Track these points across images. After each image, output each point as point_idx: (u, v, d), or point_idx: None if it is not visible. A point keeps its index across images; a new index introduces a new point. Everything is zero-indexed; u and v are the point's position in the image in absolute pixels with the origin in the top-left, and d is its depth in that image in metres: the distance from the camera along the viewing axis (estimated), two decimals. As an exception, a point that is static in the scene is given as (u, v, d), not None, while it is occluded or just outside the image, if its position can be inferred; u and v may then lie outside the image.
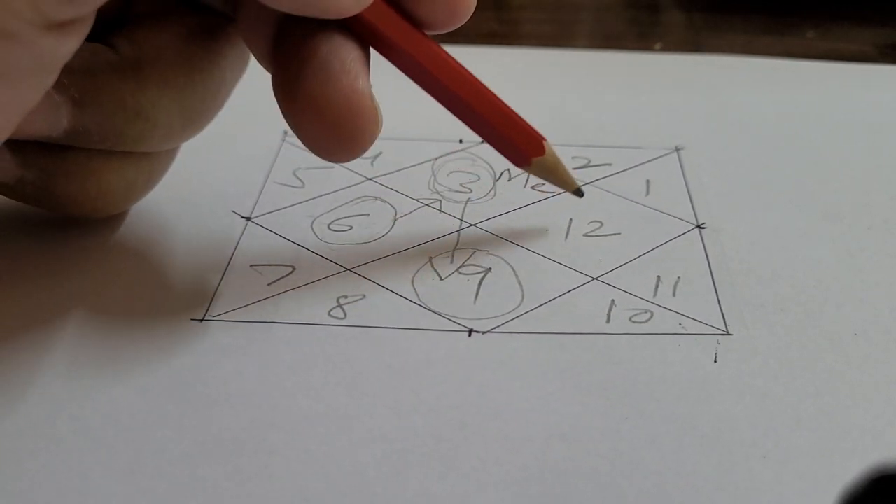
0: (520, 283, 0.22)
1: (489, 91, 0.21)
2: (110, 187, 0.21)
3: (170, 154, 0.23)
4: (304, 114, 0.19)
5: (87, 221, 0.24)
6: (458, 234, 0.24)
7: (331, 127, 0.18)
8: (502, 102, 0.22)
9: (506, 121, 0.22)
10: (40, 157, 0.20)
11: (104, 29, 0.20)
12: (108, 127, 0.20)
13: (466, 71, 0.21)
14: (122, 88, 0.19)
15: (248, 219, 0.25)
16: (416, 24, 0.20)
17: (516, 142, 0.22)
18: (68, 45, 0.16)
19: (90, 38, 0.19)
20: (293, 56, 0.19)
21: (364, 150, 0.19)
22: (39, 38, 0.15)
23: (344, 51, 0.19)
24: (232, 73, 0.22)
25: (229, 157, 0.27)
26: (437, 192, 0.26)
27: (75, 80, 0.19)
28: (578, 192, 0.23)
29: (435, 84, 0.21)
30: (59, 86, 0.18)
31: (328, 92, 0.18)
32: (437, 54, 0.20)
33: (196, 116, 0.21)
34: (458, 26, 0.20)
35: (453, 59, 0.21)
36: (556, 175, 0.23)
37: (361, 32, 0.19)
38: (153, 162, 0.22)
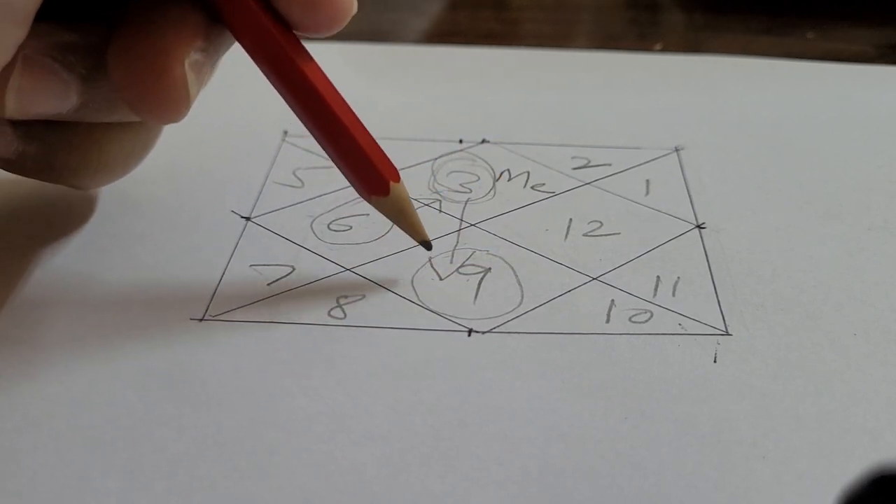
0: (520, 283, 0.22)
1: (344, 113, 0.20)
2: (111, 158, 0.22)
3: None
4: (121, 75, 0.19)
5: (87, 222, 0.24)
6: (458, 234, 0.24)
7: (140, 96, 0.19)
8: (356, 127, 0.20)
9: (351, 149, 0.20)
10: (42, 131, 0.20)
11: (99, 3, 0.20)
12: (116, 101, 0.20)
13: (325, 87, 0.20)
14: None
15: (247, 218, 0.25)
16: (290, 26, 0.20)
17: (360, 175, 0.21)
18: None
19: (89, 16, 0.19)
20: (134, 18, 0.19)
21: (173, 121, 0.19)
22: None
23: (176, 28, 0.19)
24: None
25: (229, 157, 0.27)
26: (437, 192, 0.26)
27: (81, 56, 0.19)
28: (426, 245, 0.22)
29: (285, 93, 0.20)
30: (66, 64, 0.19)
31: (146, 65, 0.19)
32: (289, 60, 0.20)
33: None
34: (333, 32, 0.20)
35: (313, 69, 0.20)
36: (402, 220, 0.22)
37: (220, 17, 0.19)
38: (150, 130, 0.22)
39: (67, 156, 0.21)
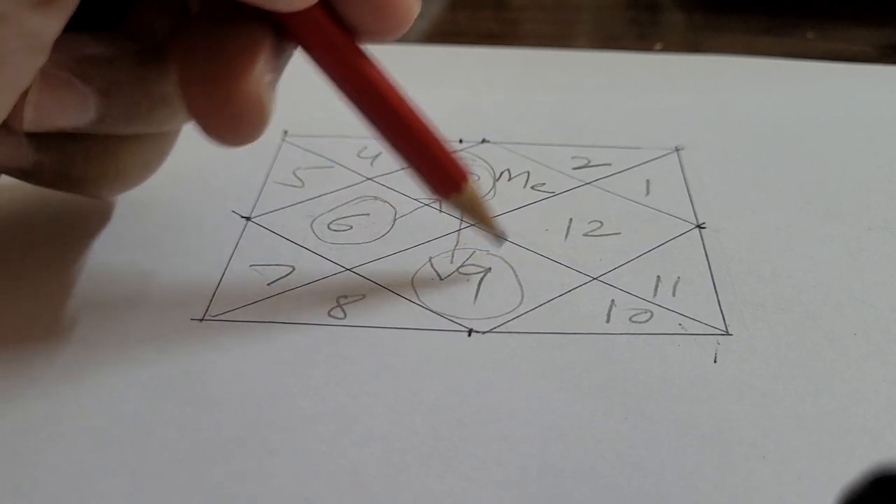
0: (520, 283, 0.22)
1: (414, 117, 0.20)
2: (128, 167, 0.21)
3: (178, 129, 0.23)
4: (198, 105, 0.18)
5: (87, 222, 0.24)
6: (458, 234, 0.24)
7: (221, 124, 0.18)
8: (427, 130, 0.20)
9: (424, 151, 0.20)
10: (58, 141, 0.20)
11: (114, 16, 0.20)
12: (135, 115, 0.20)
13: (394, 92, 0.20)
14: (147, 77, 0.20)
15: (247, 218, 0.25)
16: (352, 31, 0.19)
17: (434, 175, 0.21)
18: (55, 24, 0.16)
19: (104, 28, 0.19)
20: (201, 42, 0.18)
21: (251, 142, 0.19)
22: (27, 17, 0.16)
23: (251, 50, 0.18)
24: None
25: (229, 157, 0.27)
26: (437, 192, 0.26)
27: (100, 71, 0.19)
28: (502, 238, 0.22)
29: (356, 101, 0.20)
30: (85, 77, 0.19)
31: (224, 93, 0.18)
32: (360, 68, 0.19)
33: None
34: (398, 36, 0.19)
35: (381, 76, 0.20)
36: (475, 216, 0.22)
37: (288, 31, 0.19)
38: (166, 139, 0.22)
39: (84, 166, 0.21)
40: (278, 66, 0.19)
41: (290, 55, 0.20)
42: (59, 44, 0.17)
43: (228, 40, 0.18)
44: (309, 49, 0.19)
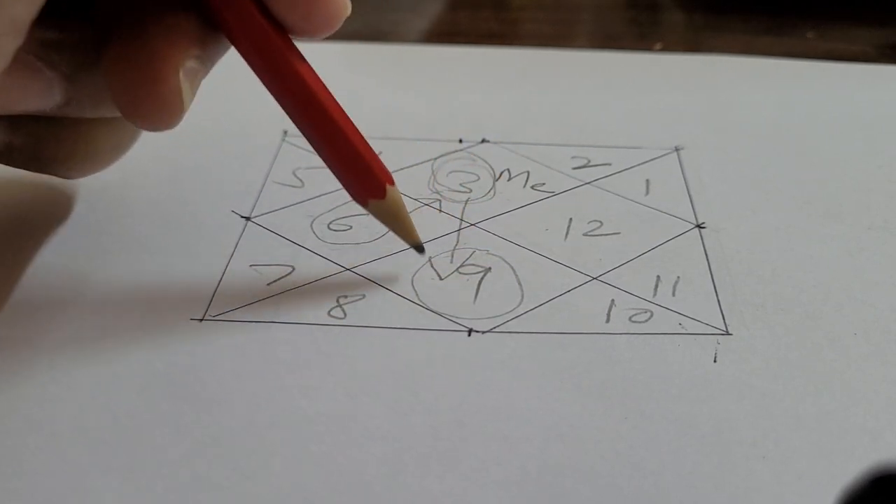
0: (519, 283, 0.22)
1: (339, 117, 0.20)
2: (98, 149, 0.22)
3: None
4: (114, 82, 0.19)
5: (87, 222, 0.24)
6: (458, 234, 0.24)
7: (134, 104, 0.19)
8: (351, 131, 0.20)
9: (345, 153, 0.20)
10: (30, 123, 0.20)
11: (80, 2, 0.20)
12: (101, 99, 0.20)
13: (321, 91, 0.20)
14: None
15: (247, 218, 0.25)
16: (284, 28, 0.19)
17: (356, 178, 0.21)
18: (33, 6, 0.17)
19: (70, 14, 0.19)
20: (127, 26, 0.19)
21: (166, 129, 0.19)
22: (10, 2, 0.16)
23: (172, 36, 0.19)
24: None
25: (229, 157, 0.27)
26: (437, 192, 0.26)
27: (65, 56, 0.19)
28: (419, 248, 0.22)
29: (281, 97, 0.20)
30: (49, 63, 0.19)
31: (140, 73, 0.18)
32: (286, 64, 0.19)
33: None
34: (327, 34, 0.20)
35: (308, 73, 0.20)
36: (396, 223, 0.21)
37: (217, 21, 0.19)
38: None
39: (55, 147, 0.21)
40: (205, 57, 0.20)
41: (223, 50, 0.20)
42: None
43: (152, 25, 0.19)
44: (234, 41, 0.20)
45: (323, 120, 0.20)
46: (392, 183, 0.21)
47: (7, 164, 0.22)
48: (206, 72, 0.20)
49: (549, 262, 0.23)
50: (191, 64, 0.19)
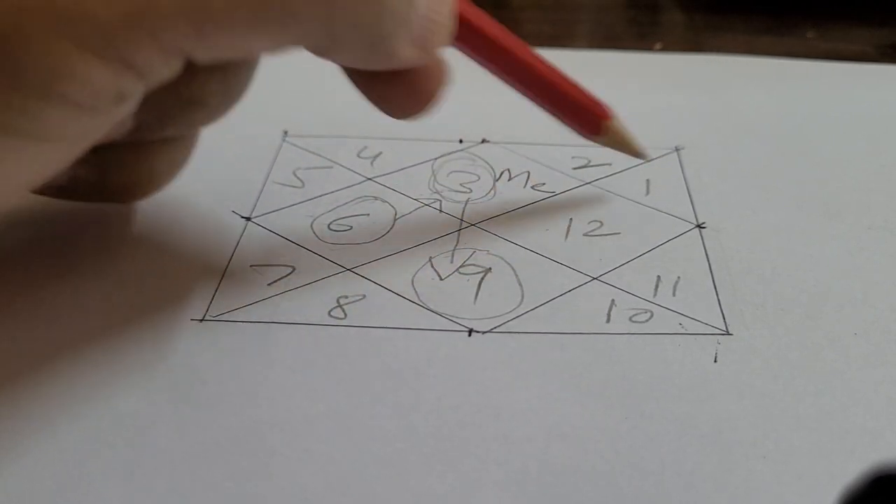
0: (520, 283, 0.22)
1: (555, 74, 0.23)
2: (159, 170, 0.22)
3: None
4: (395, 109, 0.21)
5: (88, 222, 0.24)
6: (458, 234, 0.24)
7: (416, 103, 0.21)
8: (567, 83, 0.23)
9: (577, 91, 0.24)
10: (93, 154, 0.20)
11: None
12: (167, 119, 0.20)
13: (534, 57, 0.23)
14: (176, 81, 0.20)
15: (248, 219, 0.25)
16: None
17: (588, 109, 0.24)
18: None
19: None
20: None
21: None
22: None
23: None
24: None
25: (229, 157, 0.27)
26: (437, 192, 0.26)
27: None
28: (643, 156, 0.25)
29: (508, 76, 0.22)
30: None
31: (422, 96, 0.20)
32: (507, 48, 0.22)
33: (237, 93, 0.21)
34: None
35: (521, 47, 0.22)
36: (624, 148, 0.25)
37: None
38: (192, 138, 0.22)
39: (119, 174, 0.21)
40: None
41: None
42: None
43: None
44: (464, 50, 0.22)
45: (542, 80, 0.23)
46: (608, 117, 0.24)
47: (69, 198, 0.22)
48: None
49: (549, 262, 0.23)
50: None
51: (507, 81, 0.23)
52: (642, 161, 0.26)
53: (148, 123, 0.20)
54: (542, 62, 0.23)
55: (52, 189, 0.21)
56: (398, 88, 0.20)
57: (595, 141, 0.24)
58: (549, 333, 0.21)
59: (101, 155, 0.21)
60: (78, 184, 0.21)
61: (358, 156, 0.27)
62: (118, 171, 0.21)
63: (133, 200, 0.23)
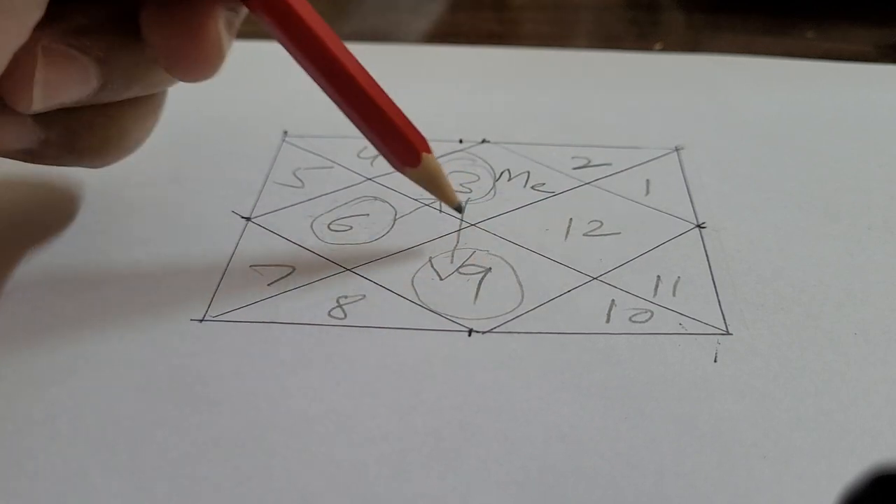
0: (520, 283, 0.22)
1: (374, 89, 0.21)
2: (129, 132, 0.22)
3: (167, 88, 0.23)
4: (157, 37, 0.19)
5: (88, 223, 0.24)
6: (458, 234, 0.24)
7: (178, 56, 0.20)
8: (386, 102, 0.21)
9: (383, 123, 0.21)
10: (62, 116, 0.21)
11: None
12: (133, 78, 0.20)
13: (354, 64, 0.21)
14: (138, 39, 0.20)
15: (247, 219, 0.25)
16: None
17: (395, 147, 0.22)
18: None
19: None
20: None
21: (207, 78, 0.20)
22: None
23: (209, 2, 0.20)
24: None
25: (229, 157, 0.27)
26: (437, 192, 0.26)
27: (95, 39, 0.19)
28: (459, 209, 0.23)
29: (317, 72, 0.20)
30: (83, 48, 0.19)
31: (182, 26, 0.19)
32: (320, 40, 0.20)
33: (203, 55, 0.21)
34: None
35: (341, 48, 0.20)
36: (434, 188, 0.22)
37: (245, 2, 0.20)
38: (158, 98, 0.23)
39: (89, 136, 0.21)
40: (237, 9, 0.20)
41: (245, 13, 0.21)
42: (52, 17, 0.17)
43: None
44: (265, 20, 0.20)
45: (359, 92, 0.21)
46: (428, 150, 0.22)
47: (41, 162, 0.22)
48: (240, 20, 0.21)
49: (549, 262, 0.23)
50: (228, 14, 0.20)
51: (320, 82, 0.21)
52: (640, 163, 0.26)
53: (114, 83, 0.20)
54: (365, 75, 0.21)
55: (22, 153, 0.21)
56: (188, 40, 0.19)
57: (407, 174, 0.22)
58: (549, 333, 0.21)
59: (70, 117, 0.21)
60: (48, 147, 0.21)
61: (358, 156, 0.27)
62: (88, 133, 0.21)
63: (105, 163, 0.23)
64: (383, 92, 0.21)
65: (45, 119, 0.20)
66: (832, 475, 0.18)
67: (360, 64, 0.21)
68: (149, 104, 0.22)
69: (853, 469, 0.18)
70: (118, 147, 0.22)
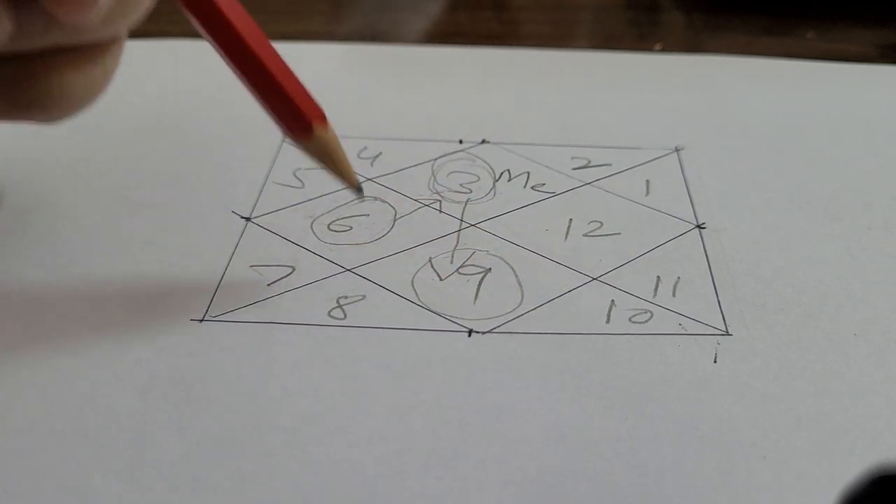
0: (520, 283, 0.22)
1: (268, 54, 0.20)
2: (73, 86, 0.21)
3: (119, 46, 0.23)
4: None
5: (88, 223, 0.24)
6: (458, 234, 0.24)
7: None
8: (281, 69, 0.20)
9: (275, 90, 0.20)
10: (1, 67, 0.20)
11: None
12: (48, 18, 0.20)
13: (249, 28, 0.20)
14: None
15: (247, 219, 0.25)
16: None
17: (285, 115, 0.20)
18: None
19: None
20: None
21: (81, 21, 0.19)
22: None
23: None
24: None
25: (229, 158, 0.27)
26: (437, 193, 0.26)
27: None
28: (357, 190, 0.22)
29: (210, 34, 0.20)
30: None
31: None
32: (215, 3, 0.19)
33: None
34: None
35: (237, 10, 0.20)
36: (329, 163, 0.21)
37: None
38: (106, 55, 0.22)
39: (29, 87, 0.21)
40: None
41: None
42: None
43: None
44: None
45: (252, 57, 0.20)
46: (323, 122, 0.21)
47: None
48: None
49: (549, 262, 0.23)
50: None
51: (213, 44, 0.20)
52: (640, 163, 0.26)
53: (31, 25, 0.19)
54: (260, 39, 0.20)
55: None
56: None
57: (301, 148, 0.21)
58: (549, 334, 0.21)
59: (9, 68, 0.20)
60: None
61: (358, 156, 0.27)
62: (28, 83, 0.21)
63: (51, 118, 0.22)
64: (279, 59, 0.20)
65: None
66: (832, 475, 0.18)
67: (257, 29, 0.20)
68: (90, 55, 0.21)
69: (853, 469, 0.18)
70: (62, 99, 0.21)
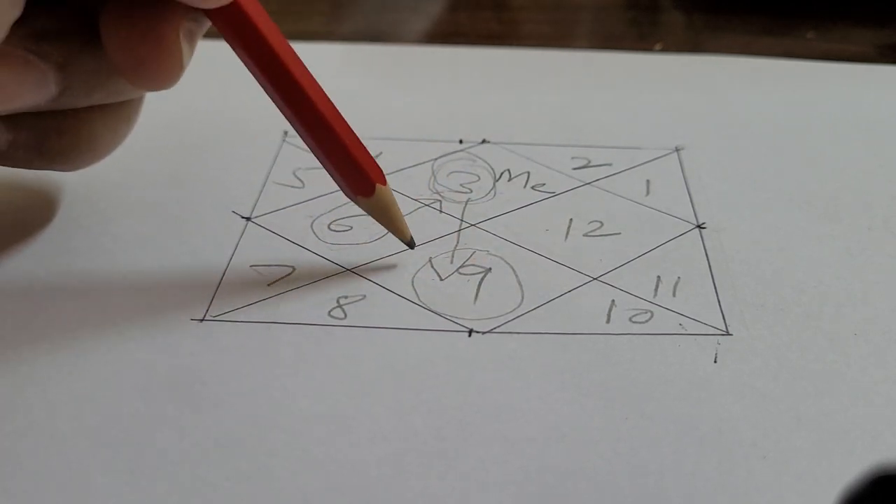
0: (520, 283, 0.22)
1: (332, 114, 0.21)
2: (99, 137, 0.22)
3: (142, 98, 0.23)
4: (116, 44, 0.19)
5: (88, 223, 0.24)
6: (458, 234, 0.24)
7: (136, 64, 0.19)
8: (344, 129, 0.21)
9: (339, 151, 0.21)
10: (30, 119, 0.21)
11: None
12: (94, 85, 0.20)
13: (314, 90, 0.21)
14: (100, 46, 0.20)
15: (248, 219, 0.25)
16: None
17: (348, 175, 0.21)
18: (15, 8, 0.17)
19: (55, 2, 0.19)
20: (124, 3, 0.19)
21: (165, 87, 0.20)
22: None
23: (169, 6, 0.19)
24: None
25: (229, 157, 0.27)
26: (437, 193, 0.26)
27: (55, 45, 0.19)
28: (410, 245, 0.23)
29: (275, 95, 0.20)
30: (41, 54, 0.19)
31: (141, 33, 0.19)
32: (275, 59, 0.20)
33: (165, 67, 0.21)
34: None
35: (301, 68, 0.20)
36: (386, 220, 0.22)
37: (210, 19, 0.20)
38: (131, 106, 0.22)
39: (58, 139, 0.21)
40: (199, 19, 0.20)
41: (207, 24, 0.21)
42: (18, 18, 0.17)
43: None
44: (230, 41, 0.20)
45: (313, 118, 0.21)
46: (383, 182, 0.22)
47: (11, 164, 0.22)
48: (202, 32, 0.20)
49: (549, 262, 0.23)
50: (189, 24, 0.19)
51: (279, 104, 0.21)
52: (644, 167, 0.26)
53: (73, 90, 0.20)
54: (326, 102, 0.21)
55: None
56: (147, 49, 0.19)
57: (359, 204, 0.22)
58: (549, 334, 0.21)
59: (38, 120, 0.21)
60: (16, 149, 0.21)
61: (358, 156, 0.27)
62: (57, 136, 0.21)
63: (74, 167, 0.23)
64: (342, 119, 0.21)
65: (12, 121, 0.20)
66: (832, 475, 0.18)
67: (321, 90, 0.21)
68: (119, 111, 0.22)
69: (853, 469, 0.18)
70: (88, 152, 0.22)
